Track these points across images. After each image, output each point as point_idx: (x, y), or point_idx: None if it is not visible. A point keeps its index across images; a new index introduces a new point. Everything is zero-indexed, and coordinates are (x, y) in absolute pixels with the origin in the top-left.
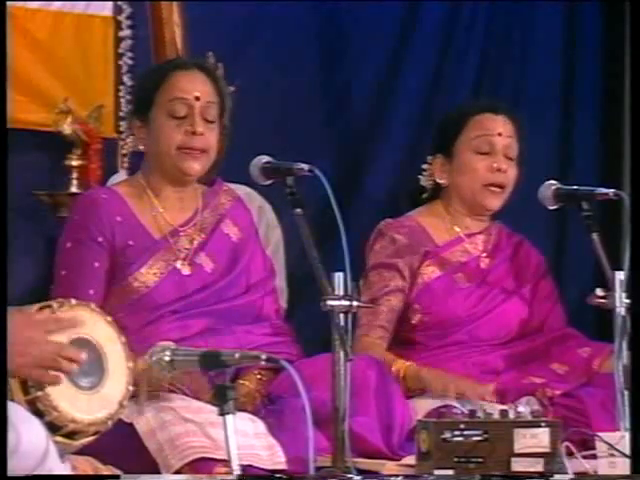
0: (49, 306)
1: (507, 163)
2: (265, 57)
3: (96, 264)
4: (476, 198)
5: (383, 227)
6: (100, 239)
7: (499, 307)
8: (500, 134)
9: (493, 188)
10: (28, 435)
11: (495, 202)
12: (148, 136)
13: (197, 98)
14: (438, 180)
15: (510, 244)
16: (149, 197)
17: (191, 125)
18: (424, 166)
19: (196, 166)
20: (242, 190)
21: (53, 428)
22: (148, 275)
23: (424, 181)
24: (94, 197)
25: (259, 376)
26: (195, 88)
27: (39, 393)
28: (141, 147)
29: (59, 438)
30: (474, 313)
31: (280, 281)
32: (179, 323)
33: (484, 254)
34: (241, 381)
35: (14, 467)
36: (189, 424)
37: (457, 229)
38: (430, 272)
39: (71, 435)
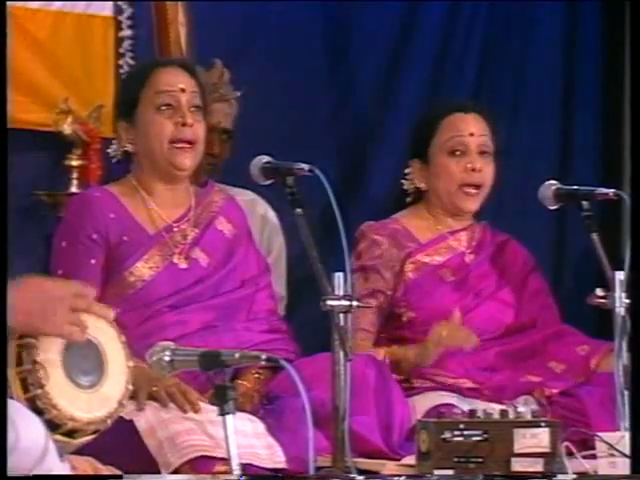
0: None
1: (482, 162)
2: (265, 57)
3: (92, 261)
4: (453, 201)
5: (364, 229)
6: (94, 236)
7: (486, 302)
8: (472, 134)
9: (468, 189)
10: (27, 432)
11: (471, 204)
12: (136, 135)
13: (182, 90)
14: (417, 185)
15: (494, 242)
16: (142, 195)
17: (181, 117)
18: (407, 170)
19: (187, 161)
20: (247, 196)
21: (52, 426)
22: (144, 269)
23: (407, 185)
24: (87, 196)
25: (257, 375)
26: (179, 81)
27: (38, 391)
28: (129, 148)
29: (58, 437)
30: (461, 307)
31: (280, 288)
32: (177, 319)
33: (468, 250)
34: (239, 381)
35: (13, 464)
36: (189, 422)
37: (440, 227)
38: (414, 270)
39: (70, 434)
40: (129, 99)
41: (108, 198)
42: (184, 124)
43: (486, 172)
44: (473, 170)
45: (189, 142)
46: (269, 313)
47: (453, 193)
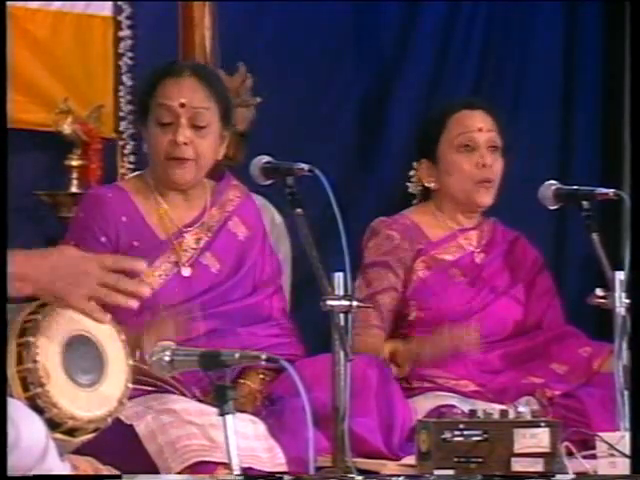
0: (47, 304)
1: (492, 157)
2: (265, 57)
3: None
4: (468, 196)
5: (376, 225)
6: (103, 239)
7: (494, 302)
8: (480, 129)
9: (482, 184)
10: (28, 431)
11: (487, 198)
12: (147, 140)
13: (182, 105)
14: (426, 184)
15: (505, 240)
16: (155, 196)
17: (173, 134)
18: (411, 172)
19: (186, 176)
20: (257, 200)
21: (52, 425)
22: (153, 277)
23: (412, 188)
24: (100, 196)
25: (262, 376)
26: (181, 95)
27: (38, 390)
28: (144, 148)
29: (59, 435)
30: (470, 308)
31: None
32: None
33: (478, 249)
34: (242, 381)
35: (14, 463)
36: (190, 426)
37: (450, 225)
38: (424, 268)
39: (71, 432)
40: (141, 106)
41: (121, 199)
42: (177, 143)
43: (495, 167)
44: (484, 166)
45: (187, 159)
46: (277, 316)
47: (469, 189)
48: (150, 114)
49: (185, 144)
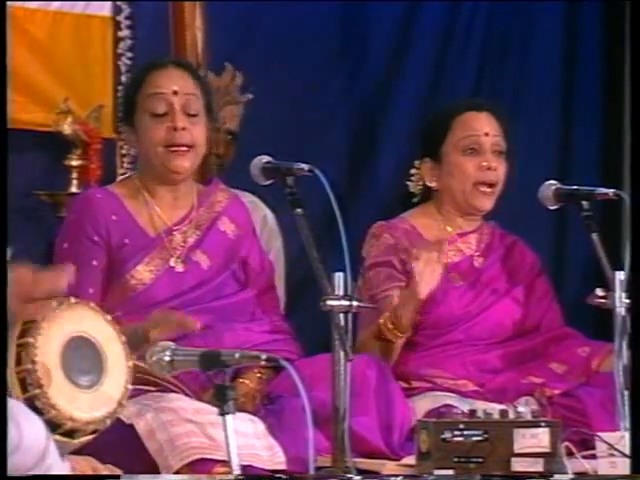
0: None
1: (496, 161)
2: (265, 58)
3: (94, 262)
4: (467, 199)
5: (376, 229)
6: (96, 238)
7: (493, 306)
8: (487, 134)
9: (483, 188)
10: (30, 431)
11: (486, 202)
12: (136, 139)
13: (175, 92)
14: (428, 184)
15: (503, 244)
16: (144, 197)
17: (172, 121)
18: (412, 171)
19: (184, 163)
20: (247, 198)
21: (51, 426)
22: (144, 273)
23: (413, 187)
24: (89, 197)
25: (259, 375)
26: (172, 83)
27: (37, 391)
28: (132, 151)
29: (58, 437)
30: (469, 312)
31: (278, 289)
32: None
33: (477, 253)
34: (241, 380)
35: (16, 463)
36: (189, 425)
37: (449, 229)
38: None
39: (70, 434)
40: (127, 104)
41: (110, 200)
42: (175, 129)
43: (500, 171)
44: (488, 169)
45: (185, 145)
46: (271, 313)
47: (468, 192)
48: (139, 109)
49: (183, 129)
